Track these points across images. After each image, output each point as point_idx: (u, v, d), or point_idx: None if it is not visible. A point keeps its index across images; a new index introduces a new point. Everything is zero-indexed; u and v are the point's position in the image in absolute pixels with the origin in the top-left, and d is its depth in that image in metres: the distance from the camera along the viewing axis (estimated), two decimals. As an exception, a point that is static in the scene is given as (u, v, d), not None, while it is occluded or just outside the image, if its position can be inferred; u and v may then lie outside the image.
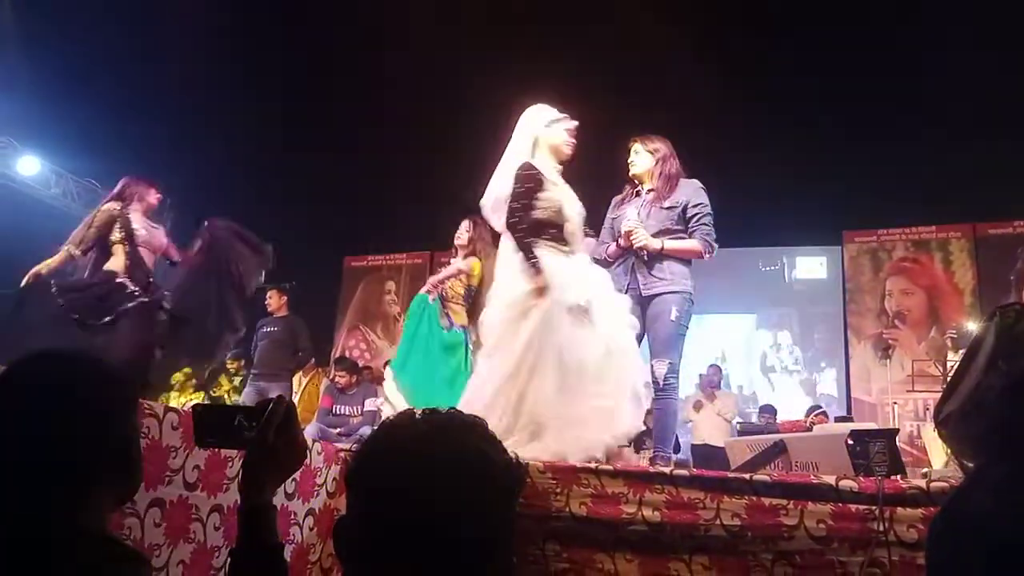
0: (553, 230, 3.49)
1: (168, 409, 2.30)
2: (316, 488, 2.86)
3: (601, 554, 2.63)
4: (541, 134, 3.62)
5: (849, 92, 7.78)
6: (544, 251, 3.41)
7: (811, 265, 9.46)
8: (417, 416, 1.05)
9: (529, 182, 3.47)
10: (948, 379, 3.04)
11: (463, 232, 5.00)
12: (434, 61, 8.17)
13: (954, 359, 5.78)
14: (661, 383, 3.69)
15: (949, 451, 2.60)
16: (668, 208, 3.84)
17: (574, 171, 3.76)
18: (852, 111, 7.88)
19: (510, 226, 3.47)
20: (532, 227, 3.44)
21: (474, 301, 4.80)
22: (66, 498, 1.06)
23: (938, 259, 8.66)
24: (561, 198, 3.54)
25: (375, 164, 9.42)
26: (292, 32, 8.39)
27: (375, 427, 1.10)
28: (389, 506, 0.96)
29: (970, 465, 2.34)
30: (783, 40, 7.68)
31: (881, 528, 2.27)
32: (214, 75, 8.19)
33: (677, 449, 3.88)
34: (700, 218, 3.82)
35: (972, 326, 7.25)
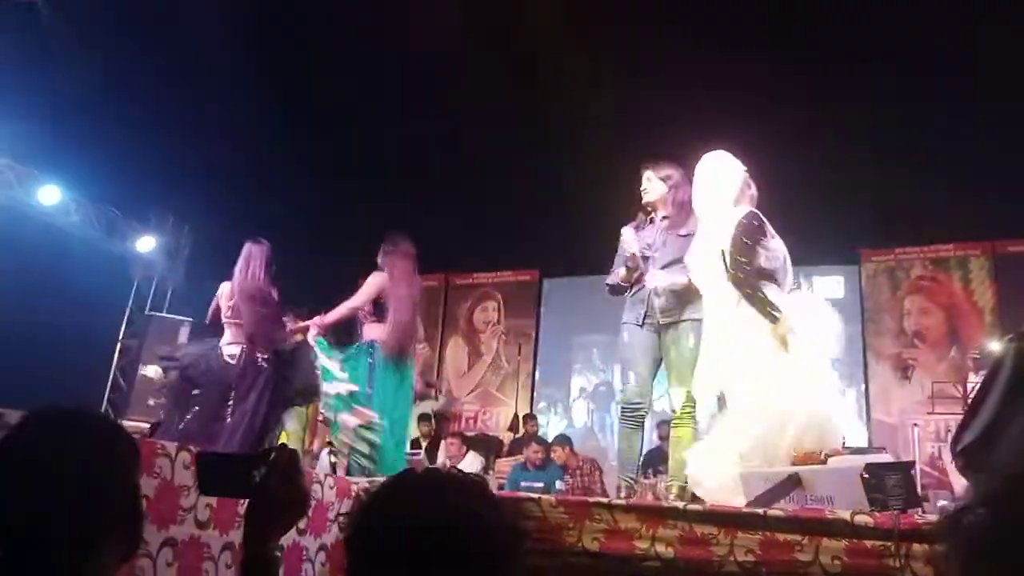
0: (773, 280, 3.48)
1: (180, 448, 2.31)
2: (328, 523, 2.86)
3: (615, 590, 2.61)
4: (742, 184, 3.62)
5: (864, 109, 7.75)
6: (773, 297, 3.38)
7: (829, 284, 9.40)
8: (416, 478, 1.05)
9: (759, 232, 3.45)
10: (967, 405, 2.98)
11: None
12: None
13: (975, 380, 5.71)
14: (680, 411, 3.67)
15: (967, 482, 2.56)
16: (684, 236, 3.83)
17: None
18: (868, 128, 7.84)
19: (739, 273, 3.39)
20: (757, 274, 3.41)
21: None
22: (69, 560, 1.07)
23: (957, 277, 8.58)
24: (781, 248, 3.54)
25: (386, 183, 9.47)
26: (322, 42, 8.41)
27: (375, 488, 1.10)
28: (388, 573, 0.96)
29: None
30: (799, 56, 7.66)
31: (897, 564, 2.24)
32: (238, 93, 8.28)
33: None
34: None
35: (994, 346, 7.15)
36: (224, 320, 5.09)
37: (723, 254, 3.43)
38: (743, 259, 3.38)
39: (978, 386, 2.70)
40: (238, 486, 1.35)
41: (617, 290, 4.03)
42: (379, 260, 5.02)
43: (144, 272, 10.62)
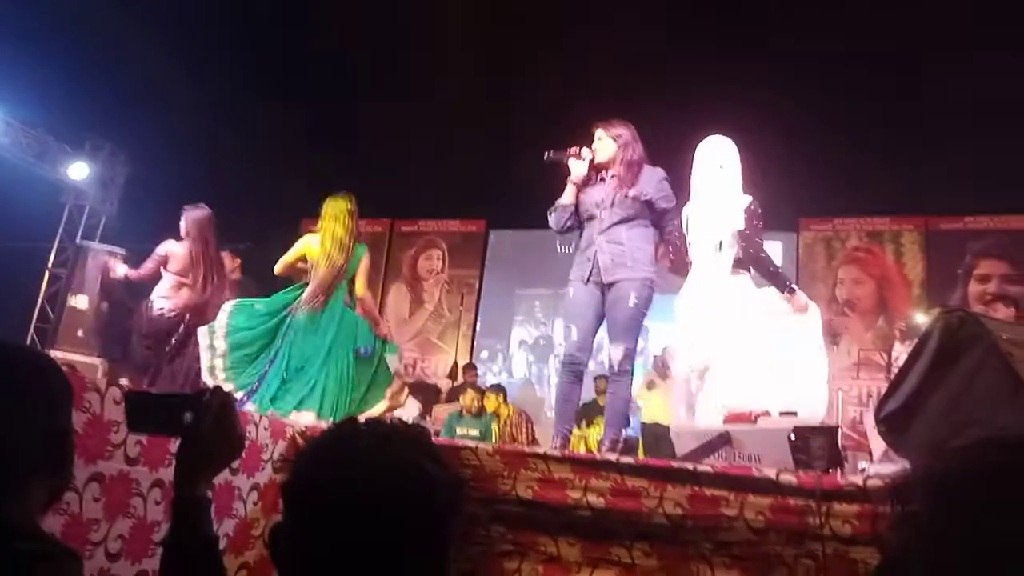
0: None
1: (111, 384, 2.25)
2: (262, 463, 2.84)
3: (545, 537, 2.66)
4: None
5: (813, 80, 7.83)
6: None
7: (767, 249, 9.60)
8: (359, 428, 1.03)
9: (761, 219, 3.79)
10: (893, 375, 3.11)
11: None
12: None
13: (900, 350, 5.92)
14: (616, 368, 3.72)
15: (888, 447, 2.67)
16: (632, 197, 3.83)
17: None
18: (815, 98, 7.94)
19: (757, 256, 3.72)
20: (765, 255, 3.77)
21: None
22: (-4, 491, 1.03)
23: (890, 250, 8.85)
24: None
25: (334, 126, 9.26)
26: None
27: (317, 437, 1.08)
28: (329, 523, 0.95)
29: (906, 463, 2.42)
30: (749, 25, 7.69)
31: (817, 522, 2.33)
32: (179, 28, 7.95)
33: (627, 425, 3.94)
34: (668, 215, 3.87)
35: (921, 318, 7.43)
36: (177, 280, 5.30)
37: (733, 235, 3.72)
38: (758, 240, 3.72)
39: (905, 357, 2.81)
40: (168, 425, 1.32)
41: (559, 218, 4.00)
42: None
43: (76, 200, 10.23)
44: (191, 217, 5.38)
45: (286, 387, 4.18)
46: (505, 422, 7.48)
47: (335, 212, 4.50)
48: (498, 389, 7.87)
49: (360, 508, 0.94)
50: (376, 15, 8.04)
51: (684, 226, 3.92)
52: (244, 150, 9.34)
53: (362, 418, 1.08)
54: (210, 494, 1.31)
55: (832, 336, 8.64)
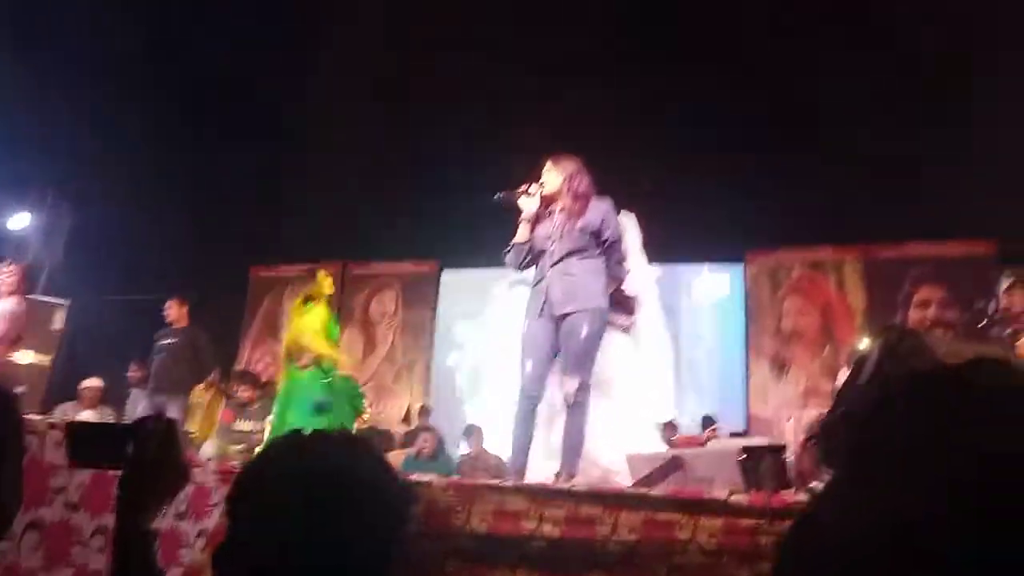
0: None
1: (51, 425, 2.20)
2: (209, 508, 2.78)
3: (501, 571, 2.64)
4: None
5: (751, 113, 8.07)
6: None
7: (717, 283, 9.76)
8: (303, 437, 1.03)
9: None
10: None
11: None
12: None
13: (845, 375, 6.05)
14: (571, 400, 3.73)
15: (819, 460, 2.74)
16: (580, 229, 3.90)
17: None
18: (757, 132, 8.17)
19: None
20: None
21: None
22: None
23: (832, 280, 9.07)
24: None
25: (285, 169, 9.23)
26: (195, 30, 8.12)
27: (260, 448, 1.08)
28: (274, 533, 0.94)
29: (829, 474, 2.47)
30: (687, 58, 7.91)
31: (768, 542, 2.36)
32: (109, 64, 7.88)
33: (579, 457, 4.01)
34: (612, 247, 3.94)
35: (865, 345, 7.61)
36: None
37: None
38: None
39: (845, 377, 2.88)
40: (112, 456, 1.29)
41: (516, 256, 4.06)
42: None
43: (16, 252, 9.96)
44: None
45: None
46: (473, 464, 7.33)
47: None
48: (471, 430, 7.83)
49: (306, 511, 0.94)
50: (327, 60, 8.10)
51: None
52: (192, 196, 9.25)
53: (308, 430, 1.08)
54: (156, 528, 1.28)
55: (780, 366, 8.80)
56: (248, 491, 1.00)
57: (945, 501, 0.49)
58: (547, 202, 4.08)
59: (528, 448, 4.00)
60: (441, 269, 10.71)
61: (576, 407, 3.75)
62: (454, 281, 10.71)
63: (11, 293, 5.38)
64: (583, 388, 3.74)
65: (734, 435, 3.01)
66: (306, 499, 0.94)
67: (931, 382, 0.56)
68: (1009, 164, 7.25)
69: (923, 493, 0.50)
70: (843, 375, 6.61)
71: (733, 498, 2.44)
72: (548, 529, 2.57)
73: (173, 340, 7.04)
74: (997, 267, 8.17)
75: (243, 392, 7.23)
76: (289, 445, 1.04)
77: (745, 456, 2.58)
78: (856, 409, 2.37)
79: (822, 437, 2.46)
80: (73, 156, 8.79)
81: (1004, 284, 4.46)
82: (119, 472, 1.28)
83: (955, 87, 7.19)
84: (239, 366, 9.82)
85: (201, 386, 7.61)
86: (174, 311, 7.20)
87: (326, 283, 5.58)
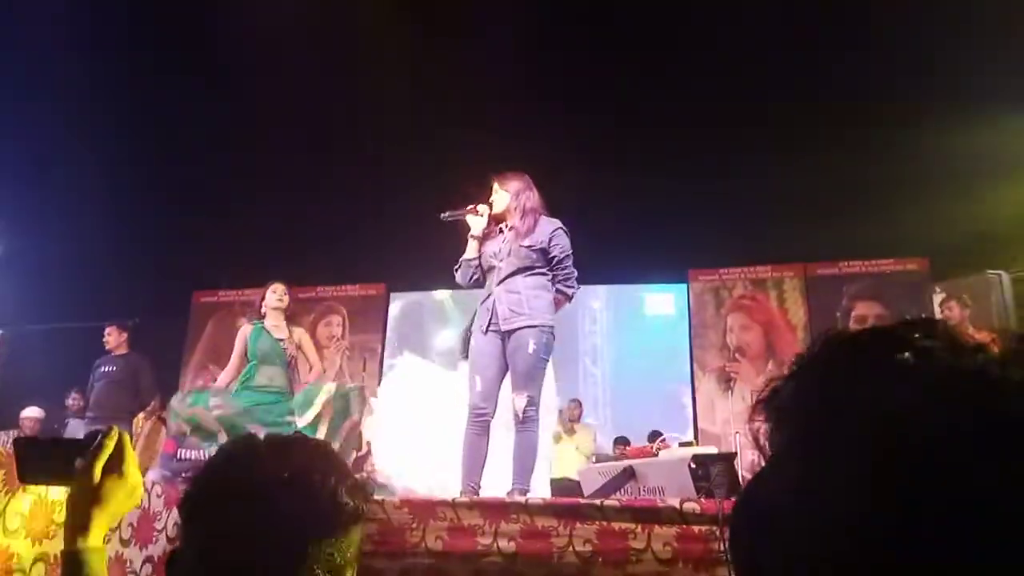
0: None
1: (-13, 451, 2.12)
2: (155, 534, 2.70)
3: (457, 588, 2.62)
4: None
5: (694, 140, 8.26)
6: None
7: (661, 302, 9.92)
8: (257, 442, 1.02)
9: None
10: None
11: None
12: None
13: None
14: (521, 416, 3.74)
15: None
16: (527, 247, 3.94)
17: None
18: (699, 157, 8.35)
19: None
20: None
21: None
22: None
23: (773, 297, 9.28)
24: None
25: (228, 194, 9.08)
26: (142, 55, 7.99)
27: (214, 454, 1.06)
28: (229, 540, 0.93)
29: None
30: (631, 82, 8.05)
31: (722, 548, 2.39)
32: (44, 85, 7.69)
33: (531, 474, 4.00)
34: (560, 264, 3.97)
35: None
36: None
37: None
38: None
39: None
40: (61, 473, 1.25)
41: (465, 273, 4.09)
42: None
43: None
44: None
45: None
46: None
47: None
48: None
49: (259, 511, 0.92)
50: (276, 83, 8.03)
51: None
52: (133, 222, 9.03)
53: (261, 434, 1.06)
54: (103, 544, 1.24)
55: (726, 382, 8.94)
56: (206, 500, 0.99)
57: (848, 465, 0.49)
58: (496, 220, 4.12)
59: (482, 466, 3.99)
60: (389, 291, 10.64)
61: (526, 423, 3.76)
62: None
63: None
64: (532, 404, 3.76)
65: (683, 444, 3.05)
66: (259, 506, 0.93)
67: (840, 342, 0.56)
68: (936, 187, 7.59)
69: (827, 457, 0.50)
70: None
71: (686, 505, 2.47)
72: (504, 544, 2.56)
73: (113, 368, 6.86)
74: (929, 283, 8.53)
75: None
76: (243, 448, 1.02)
77: (696, 464, 2.62)
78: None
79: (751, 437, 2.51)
80: (4, 182, 8.51)
81: (938, 299, 4.64)
82: (68, 489, 1.24)
83: (890, 112, 7.47)
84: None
85: (142, 415, 7.40)
86: (113, 338, 7.01)
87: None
